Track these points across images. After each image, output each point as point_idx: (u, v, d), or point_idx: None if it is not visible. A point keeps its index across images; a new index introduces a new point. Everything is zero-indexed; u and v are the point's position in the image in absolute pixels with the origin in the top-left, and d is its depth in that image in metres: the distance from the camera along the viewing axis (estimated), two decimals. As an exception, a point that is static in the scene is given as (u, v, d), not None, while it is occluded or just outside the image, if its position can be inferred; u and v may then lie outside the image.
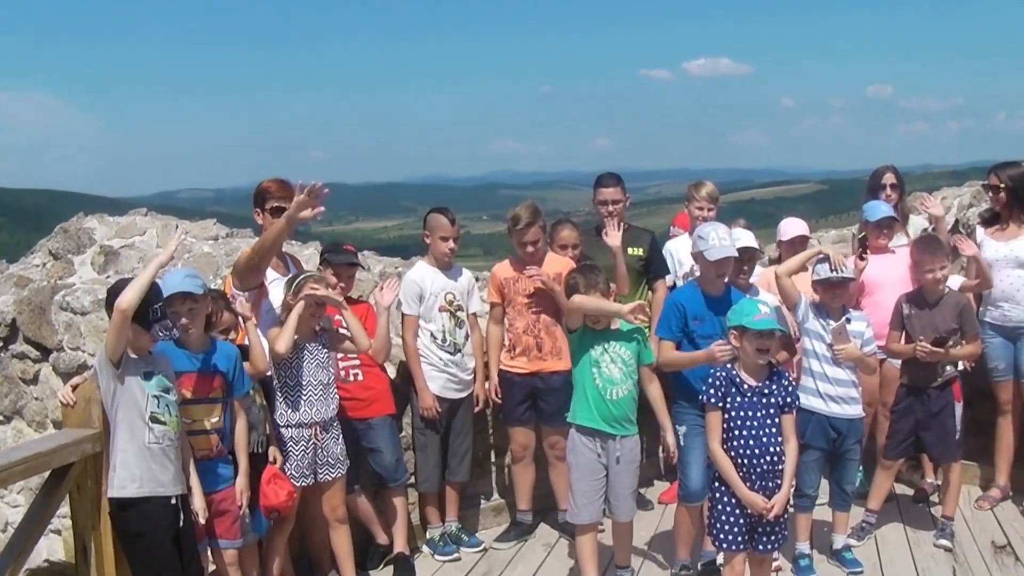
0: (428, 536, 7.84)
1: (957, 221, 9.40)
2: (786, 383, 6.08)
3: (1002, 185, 8.18)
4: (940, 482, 8.04)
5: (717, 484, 6.05)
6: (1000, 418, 8.40)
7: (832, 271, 6.97)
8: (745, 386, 5.94)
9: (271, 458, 6.45)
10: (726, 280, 6.84)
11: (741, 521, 5.95)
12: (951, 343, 7.32)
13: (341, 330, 6.93)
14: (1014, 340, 8.18)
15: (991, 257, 8.07)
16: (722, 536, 5.99)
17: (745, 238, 7.14)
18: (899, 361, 7.71)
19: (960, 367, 7.63)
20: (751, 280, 7.35)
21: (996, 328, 8.22)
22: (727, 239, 6.77)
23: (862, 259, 7.64)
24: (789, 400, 6.03)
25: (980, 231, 8.36)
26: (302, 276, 6.63)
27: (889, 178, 8.55)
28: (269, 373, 6.56)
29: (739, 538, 5.97)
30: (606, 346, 6.50)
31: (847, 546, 7.32)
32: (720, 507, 6.01)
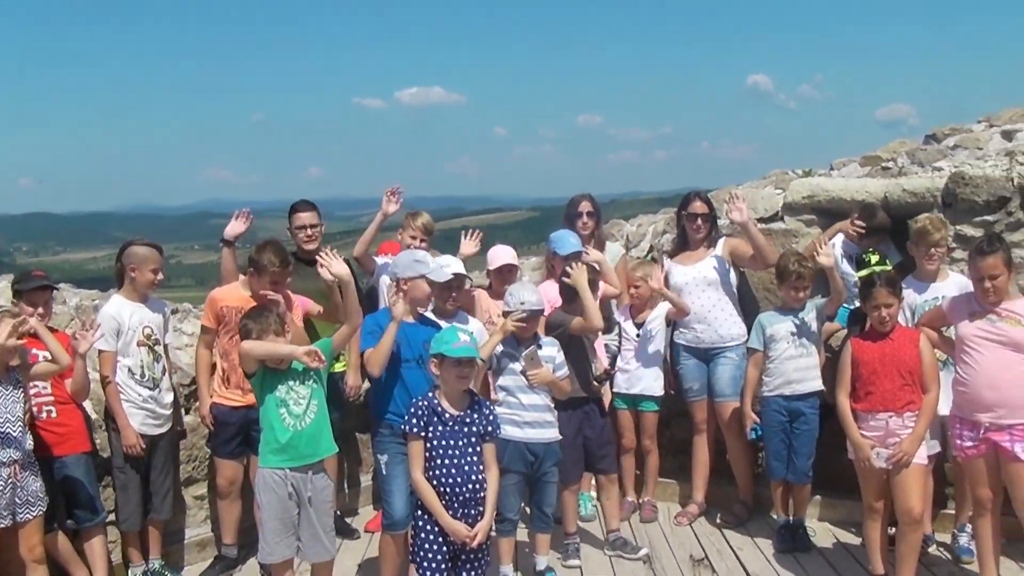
0: (130, 575, 7.57)
1: (652, 247, 9.71)
2: (487, 412, 6.17)
3: (710, 212, 8.53)
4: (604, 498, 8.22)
5: (420, 512, 6.08)
6: (696, 437, 8.74)
7: (520, 304, 7.10)
8: (447, 415, 6.00)
9: None
10: (420, 308, 6.94)
11: (444, 549, 5.99)
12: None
13: (40, 359, 6.67)
14: (707, 361, 8.51)
15: (680, 282, 8.40)
16: (425, 564, 6.01)
17: (455, 265, 7.21)
18: None
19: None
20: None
21: (690, 350, 8.55)
22: (432, 262, 6.96)
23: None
24: (490, 429, 6.13)
25: (667, 261, 8.67)
26: None
27: (585, 206, 8.71)
28: None
29: (442, 566, 6.01)
30: (291, 384, 6.34)
31: (549, 567, 7.44)
32: (423, 535, 6.04)
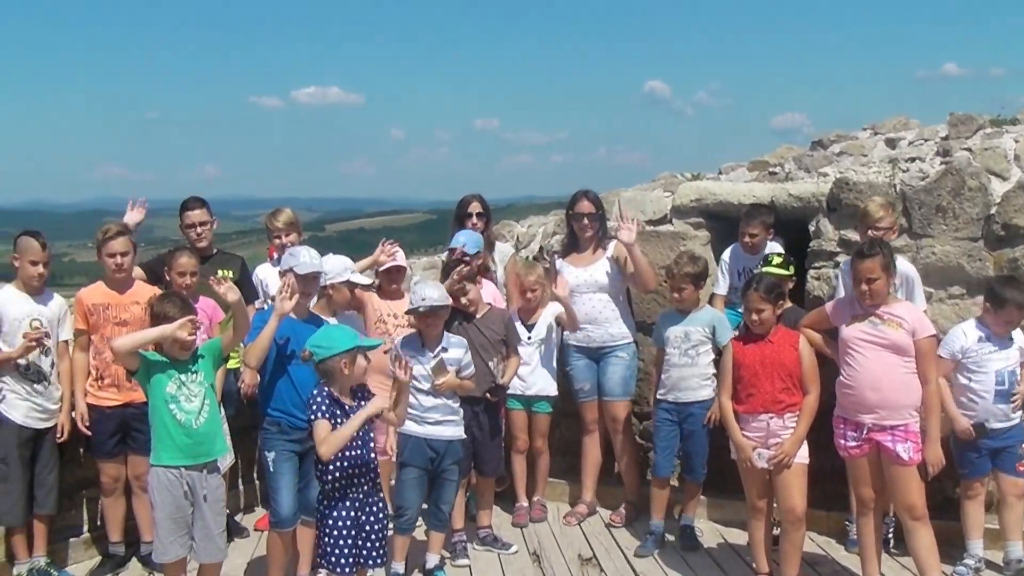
0: (15, 572, 7.44)
1: (542, 248, 9.76)
2: (367, 395, 6.40)
3: (597, 212, 8.58)
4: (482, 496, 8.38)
5: (324, 501, 6.25)
6: (586, 437, 8.80)
7: (421, 300, 7.13)
8: (347, 406, 6.21)
9: None
10: (312, 305, 7.07)
11: (350, 541, 6.16)
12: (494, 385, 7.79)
13: None
14: (597, 360, 8.57)
15: (572, 283, 8.41)
16: (332, 559, 6.18)
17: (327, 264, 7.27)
18: None
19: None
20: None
21: (581, 350, 8.59)
22: (318, 259, 6.98)
23: None
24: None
25: (559, 260, 8.64)
26: None
27: (475, 207, 8.83)
28: None
29: (350, 559, 6.17)
30: (182, 379, 6.29)
31: (438, 566, 7.47)
32: (328, 529, 6.19)
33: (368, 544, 6.27)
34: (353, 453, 6.20)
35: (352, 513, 6.25)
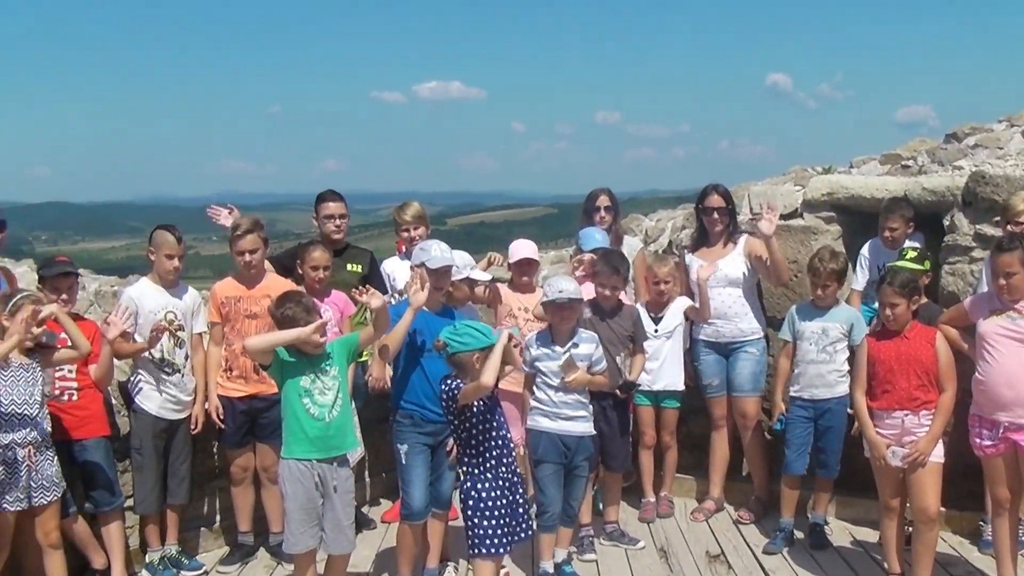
0: (147, 560, 7.60)
1: (671, 242, 9.71)
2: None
3: (727, 206, 8.51)
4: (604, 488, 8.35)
5: (476, 486, 6.23)
6: (714, 433, 8.73)
7: (559, 292, 7.10)
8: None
9: None
10: (443, 298, 7.04)
11: (503, 521, 6.20)
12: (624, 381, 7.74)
13: (61, 347, 6.66)
14: (727, 355, 8.50)
15: (703, 277, 8.32)
16: (488, 541, 6.18)
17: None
18: None
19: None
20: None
21: (710, 345, 8.52)
22: (448, 253, 6.93)
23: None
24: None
25: (688, 255, 8.63)
26: (20, 296, 6.38)
27: (603, 200, 8.75)
28: None
29: (504, 539, 6.21)
30: (316, 375, 6.35)
31: (567, 560, 7.44)
32: (479, 513, 6.20)
33: (516, 518, 6.31)
34: (501, 433, 6.26)
35: (503, 492, 6.25)
